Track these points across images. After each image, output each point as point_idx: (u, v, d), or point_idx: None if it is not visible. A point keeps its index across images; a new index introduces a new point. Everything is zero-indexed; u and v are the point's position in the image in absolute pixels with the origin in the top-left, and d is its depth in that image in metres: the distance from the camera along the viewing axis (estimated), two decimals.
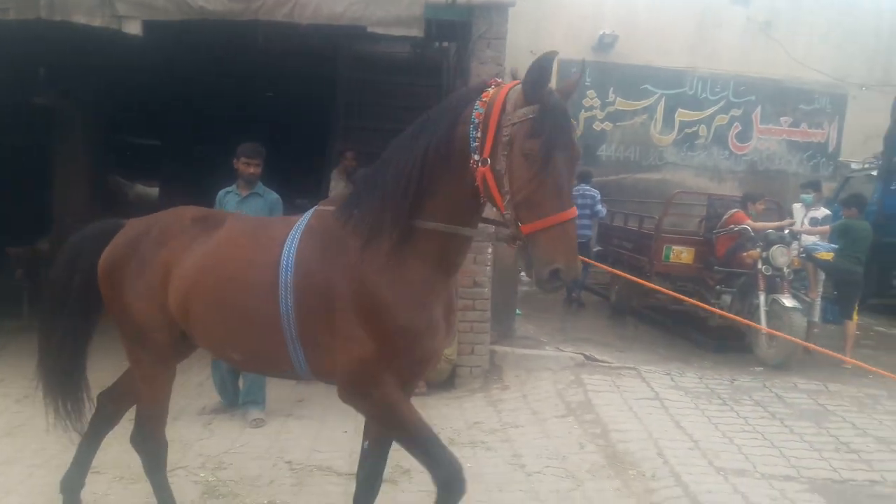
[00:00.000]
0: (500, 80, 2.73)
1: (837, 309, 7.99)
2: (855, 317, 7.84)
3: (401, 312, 2.78)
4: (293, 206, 11.81)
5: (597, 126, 14.19)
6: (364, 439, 3.36)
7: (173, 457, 4.69)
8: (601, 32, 13.61)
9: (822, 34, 14.35)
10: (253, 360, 3.36)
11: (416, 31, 6.45)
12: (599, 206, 10.59)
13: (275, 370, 3.35)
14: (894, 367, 7.68)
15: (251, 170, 5.67)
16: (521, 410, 6.05)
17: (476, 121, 2.59)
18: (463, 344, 6.61)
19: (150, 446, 3.63)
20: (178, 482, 4.37)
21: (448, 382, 6.66)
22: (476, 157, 2.57)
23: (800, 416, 5.85)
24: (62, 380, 3.65)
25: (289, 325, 2.91)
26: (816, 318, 8.12)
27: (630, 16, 13.70)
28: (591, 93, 14.13)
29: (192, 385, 6.35)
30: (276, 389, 6.22)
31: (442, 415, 5.94)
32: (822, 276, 8.12)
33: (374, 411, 2.98)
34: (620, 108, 14.12)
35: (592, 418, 5.70)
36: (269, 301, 2.92)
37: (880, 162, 11.85)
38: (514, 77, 2.72)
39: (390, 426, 3.01)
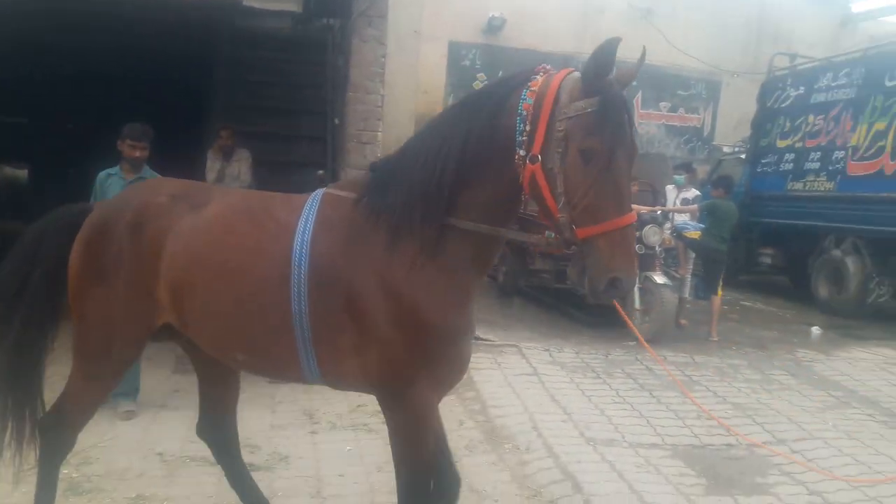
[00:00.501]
0: (547, 67, 2.45)
1: (703, 285, 8.48)
2: (720, 292, 8.33)
3: (436, 314, 2.52)
4: None
5: None
6: None
7: (33, 454, 4.47)
8: (490, 15, 13.76)
9: (699, 23, 15.07)
10: (259, 362, 2.98)
11: (294, 6, 6.33)
12: None
13: (282, 372, 3.08)
14: (755, 338, 8.28)
15: (137, 153, 5.27)
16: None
17: (524, 112, 2.33)
18: None
19: (57, 440, 3.26)
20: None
21: None
22: (522, 152, 2.32)
23: (667, 386, 6.17)
24: (14, 394, 3.23)
25: (301, 325, 2.60)
26: (687, 294, 8.59)
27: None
28: (481, 76, 14.29)
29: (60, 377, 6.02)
30: (150, 380, 5.99)
31: (325, 399, 5.88)
32: (692, 254, 8.57)
33: (402, 416, 2.68)
34: None
35: (473, 395, 5.82)
36: (280, 298, 2.60)
37: (748, 146, 12.60)
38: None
39: (404, 440, 2.70)
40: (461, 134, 2.45)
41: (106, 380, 3.23)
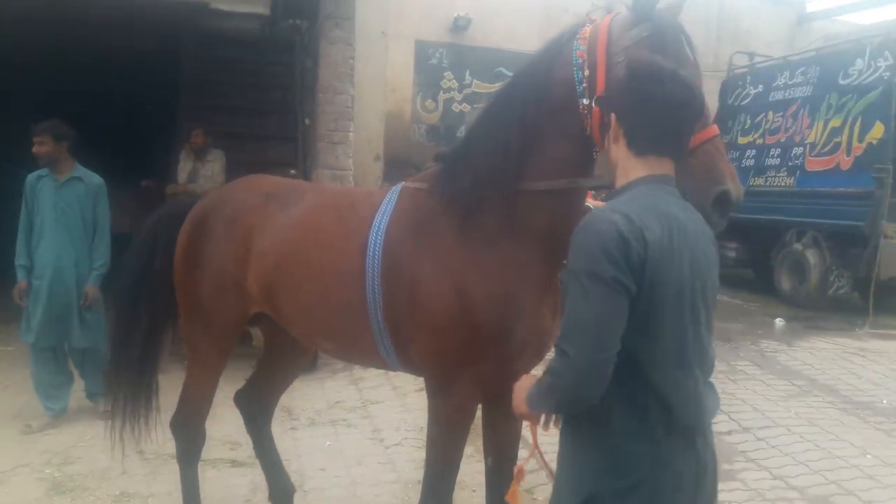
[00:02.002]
0: (594, 19, 2.39)
1: None
2: None
3: (493, 303, 2.43)
4: (139, 189, 11.33)
5: (456, 108, 14.47)
6: (485, 455, 2.91)
7: (15, 454, 4.49)
8: (455, 14, 13.85)
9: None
10: (345, 350, 3.13)
11: (262, 9, 6.36)
12: None
13: (367, 360, 3.09)
14: (721, 330, 8.50)
15: (42, 149, 5.09)
16: (383, 387, 6.17)
17: (580, 60, 2.27)
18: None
19: (188, 433, 3.49)
20: (21, 481, 4.18)
21: (310, 364, 6.64)
22: (586, 100, 2.24)
23: None
24: (135, 378, 3.53)
25: (376, 314, 2.65)
26: None
27: None
28: (448, 74, 14.38)
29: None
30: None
31: (304, 396, 5.95)
32: None
33: (437, 411, 2.63)
34: (477, 90, 14.45)
35: None
36: (358, 290, 2.66)
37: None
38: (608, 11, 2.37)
39: (434, 435, 2.66)
40: (518, 102, 2.43)
41: (211, 365, 3.38)
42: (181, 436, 3.52)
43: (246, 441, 4.85)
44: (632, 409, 1.76)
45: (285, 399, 5.80)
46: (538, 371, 1.94)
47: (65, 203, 5.13)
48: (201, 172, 7.75)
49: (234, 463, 4.55)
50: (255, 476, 4.36)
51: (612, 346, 1.67)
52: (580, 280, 1.69)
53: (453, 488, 2.71)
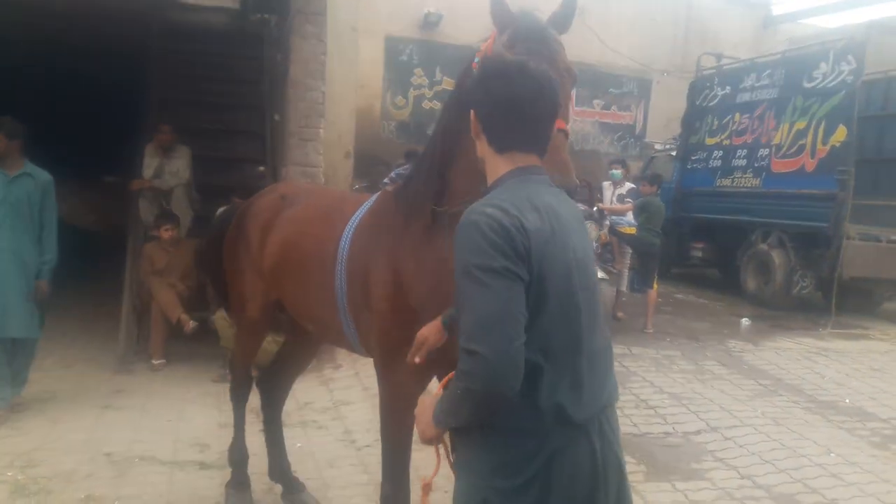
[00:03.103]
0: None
1: (639, 278, 8.76)
2: (655, 285, 8.62)
3: (420, 288, 2.68)
4: (103, 185, 11.11)
5: (426, 104, 14.45)
6: None
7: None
8: (426, 11, 13.81)
9: (631, 22, 15.47)
10: (324, 332, 3.54)
11: (231, 2, 6.24)
12: None
13: (339, 342, 3.44)
14: (688, 329, 8.62)
15: None
16: (354, 388, 6.13)
17: (474, 71, 2.40)
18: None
19: (238, 376, 4.20)
20: None
21: None
22: None
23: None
24: None
25: (342, 300, 2.99)
26: (624, 287, 8.86)
27: None
28: (418, 71, 14.36)
29: None
30: (91, 381, 5.88)
31: None
32: (628, 249, 8.85)
33: (382, 391, 2.93)
34: (448, 87, 14.42)
35: None
36: (331, 278, 3.02)
37: (679, 143, 13.04)
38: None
39: (381, 417, 2.92)
40: (445, 114, 2.69)
41: (249, 333, 4.03)
42: (234, 376, 4.26)
43: (215, 443, 4.81)
44: (520, 403, 1.69)
45: (253, 401, 5.74)
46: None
47: (14, 198, 5.18)
48: (167, 168, 7.63)
49: (203, 465, 4.48)
50: (223, 478, 4.28)
51: (520, 335, 1.63)
52: (474, 276, 1.64)
53: (407, 469, 2.92)
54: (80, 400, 5.52)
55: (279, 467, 4.10)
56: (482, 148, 1.90)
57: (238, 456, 4.04)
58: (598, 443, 1.79)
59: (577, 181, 2.25)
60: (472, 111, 1.90)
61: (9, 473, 4.23)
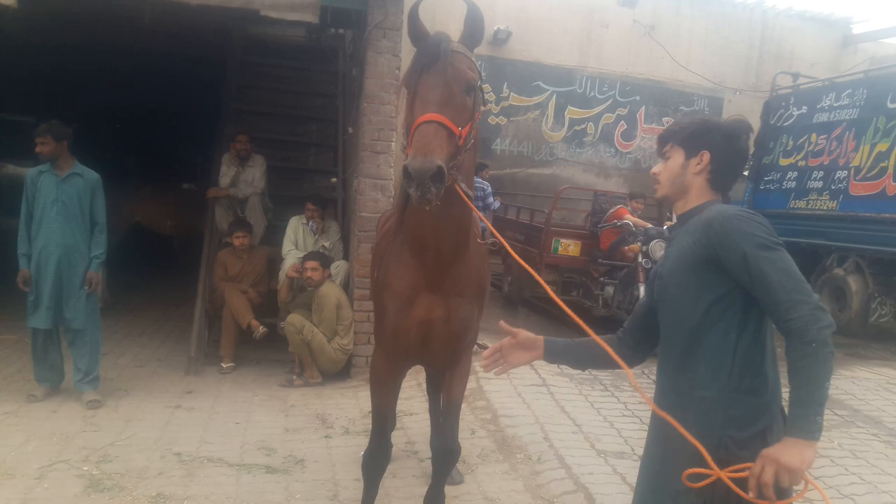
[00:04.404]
0: None
1: None
2: None
3: (385, 290, 3.22)
4: (179, 192, 11.46)
5: (492, 120, 14.46)
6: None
7: (53, 450, 4.55)
8: (496, 28, 13.84)
9: (702, 40, 15.19)
10: None
11: (311, 17, 6.39)
12: (491, 199, 10.82)
13: None
14: None
15: (42, 149, 5.52)
16: (417, 398, 6.15)
17: None
18: (359, 334, 6.63)
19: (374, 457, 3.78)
20: (59, 477, 4.22)
21: (344, 372, 6.67)
22: None
23: None
24: None
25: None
26: None
27: (522, 13, 14.01)
28: (486, 87, 14.38)
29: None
30: (163, 381, 6.05)
31: (338, 404, 5.96)
32: None
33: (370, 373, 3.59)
34: (514, 103, 14.44)
35: (483, 405, 5.88)
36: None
37: (751, 163, 12.71)
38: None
39: (370, 382, 3.58)
40: None
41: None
42: (373, 437, 3.90)
43: (280, 447, 4.90)
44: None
45: (318, 406, 5.87)
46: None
47: (66, 196, 5.52)
48: (242, 177, 7.84)
49: (269, 469, 4.55)
50: (289, 483, 4.37)
51: None
52: (772, 245, 2.04)
53: (383, 431, 3.57)
54: (152, 399, 5.70)
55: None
56: (691, 179, 2.30)
57: None
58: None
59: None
60: (706, 153, 2.26)
61: (84, 468, 4.39)
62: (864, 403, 6.60)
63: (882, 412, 6.39)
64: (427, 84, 2.56)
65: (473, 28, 2.78)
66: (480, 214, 3.22)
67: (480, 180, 10.81)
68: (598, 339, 2.46)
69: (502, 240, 2.88)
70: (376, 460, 3.60)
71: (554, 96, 14.48)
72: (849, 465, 5.09)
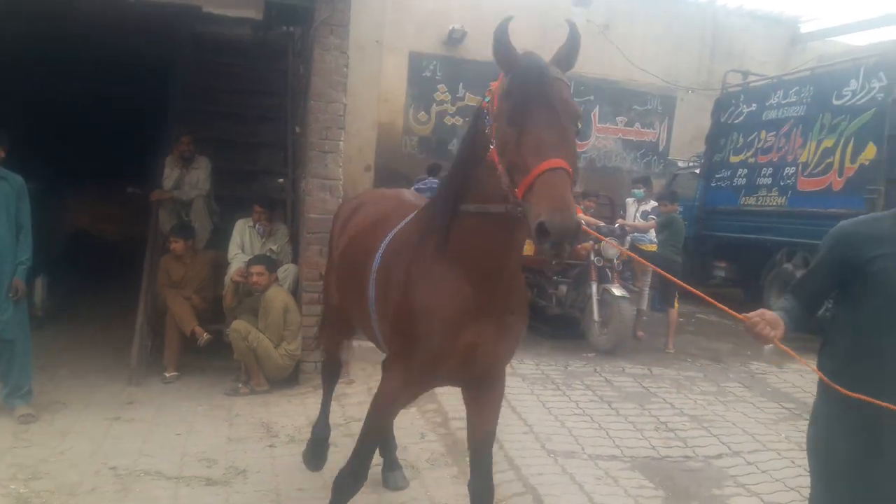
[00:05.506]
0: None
1: (660, 297, 8.60)
2: (676, 304, 8.45)
3: (420, 311, 2.86)
4: (126, 196, 11.19)
5: (448, 120, 14.41)
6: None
7: None
8: (451, 27, 13.80)
9: (655, 39, 15.32)
10: (367, 333, 3.70)
11: (254, 14, 6.27)
12: None
13: (375, 343, 3.62)
14: (710, 350, 8.43)
15: None
16: (367, 404, 5.93)
17: (486, 110, 2.60)
18: (307, 339, 6.48)
19: (326, 371, 4.76)
20: None
21: (292, 379, 6.52)
22: (492, 144, 2.51)
23: (626, 398, 6.24)
24: None
25: (372, 307, 3.19)
26: (644, 306, 8.70)
27: (477, 11, 13.95)
28: (441, 87, 14.32)
29: None
30: (102, 392, 5.86)
31: (284, 412, 5.82)
32: (649, 266, 8.68)
33: (378, 389, 3.27)
34: (471, 103, 14.37)
35: (435, 408, 5.79)
36: (366, 284, 3.21)
37: (703, 161, 12.85)
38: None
39: (372, 405, 3.25)
40: (461, 144, 2.90)
41: (329, 321, 4.62)
42: (325, 357, 4.82)
43: (222, 458, 4.75)
44: None
45: (264, 415, 5.72)
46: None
47: None
48: (187, 179, 7.66)
49: (209, 481, 4.40)
50: (229, 494, 4.24)
51: None
52: None
53: (370, 455, 3.40)
54: (89, 411, 5.51)
55: (384, 443, 4.41)
56: None
57: (320, 433, 4.58)
58: None
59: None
60: None
61: (12, 486, 4.19)
62: (811, 396, 6.63)
63: None
64: (539, 120, 2.33)
65: (571, 51, 2.63)
66: (623, 249, 3.20)
67: (435, 181, 10.75)
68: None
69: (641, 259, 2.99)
70: (358, 481, 3.38)
71: None
72: (795, 457, 5.12)
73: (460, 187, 2.76)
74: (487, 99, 2.59)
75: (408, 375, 3.01)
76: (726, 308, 2.82)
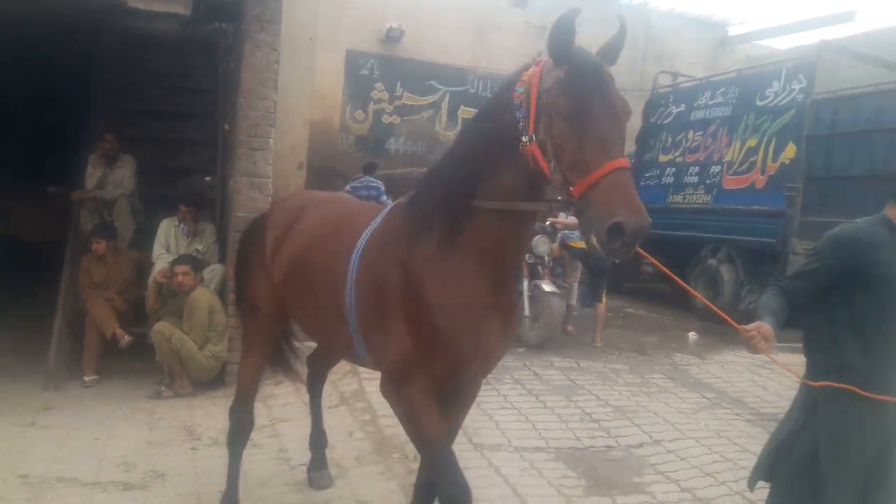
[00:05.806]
0: (539, 60, 2.56)
1: (588, 293, 8.75)
2: (604, 299, 8.62)
3: (441, 311, 2.69)
4: (46, 196, 10.78)
5: (385, 119, 14.39)
6: None
7: None
8: (388, 25, 13.78)
9: (590, 42, 15.52)
10: (330, 346, 3.72)
11: (182, 9, 6.13)
12: (384, 198, 10.72)
13: (345, 355, 3.55)
14: (637, 343, 8.62)
15: None
16: (294, 404, 5.98)
17: (518, 102, 2.49)
18: (234, 339, 6.37)
19: (237, 418, 4.02)
20: None
21: (217, 380, 6.40)
22: (524, 138, 2.44)
23: (553, 391, 6.34)
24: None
25: (351, 316, 2.96)
26: (574, 301, 8.84)
27: (415, 11, 13.98)
28: (379, 86, 14.29)
29: None
30: (16, 397, 5.66)
31: (208, 414, 5.73)
32: (578, 263, 8.83)
33: (399, 410, 2.90)
34: (408, 102, 14.42)
35: (363, 406, 5.79)
36: (342, 295, 2.97)
37: (633, 160, 13.13)
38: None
39: (409, 429, 2.87)
40: (472, 137, 2.75)
41: (258, 353, 4.01)
42: (232, 421, 4.06)
43: (142, 462, 4.65)
44: None
45: (187, 417, 5.63)
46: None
47: None
48: (110, 178, 7.47)
49: (126, 486, 4.30)
50: (147, 499, 4.15)
51: None
52: None
53: (450, 459, 2.77)
54: (2, 419, 5.30)
55: (320, 444, 4.44)
56: None
57: None
58: None
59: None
60: None
61: None
62: (730, 385, 6.92)
63: (746, 393, 6.71)
64: (602, 119, 2.28)
65: (618, 47, 2.59)
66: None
67: (373, 179, 10.72)
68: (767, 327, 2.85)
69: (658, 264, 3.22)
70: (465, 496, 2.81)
71: (447, 96, 14.53)
72: (712, 444, 5.31)
73: (470, 184, 2.65)
74: (521, 90, 2.50)
75: (422, 377, 2.77)
76: (730, 320, 3.00)
